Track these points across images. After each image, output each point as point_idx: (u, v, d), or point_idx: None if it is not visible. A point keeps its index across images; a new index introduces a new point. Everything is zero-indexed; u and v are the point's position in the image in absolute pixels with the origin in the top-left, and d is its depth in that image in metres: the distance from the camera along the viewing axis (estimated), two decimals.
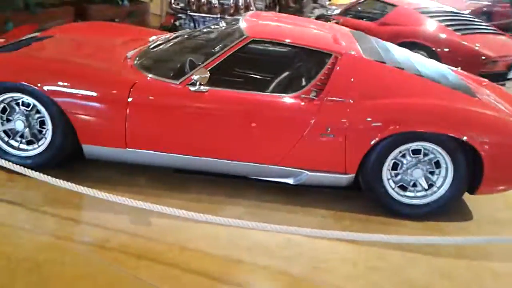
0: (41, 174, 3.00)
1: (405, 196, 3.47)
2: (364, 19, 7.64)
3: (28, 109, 3.38)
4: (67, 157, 3.50)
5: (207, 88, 3.31)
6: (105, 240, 2.91)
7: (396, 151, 3.35)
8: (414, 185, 3.45)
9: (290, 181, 3.46)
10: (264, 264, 2.87)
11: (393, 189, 3.44)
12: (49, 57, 3.70)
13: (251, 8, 5.51)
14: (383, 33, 7.19)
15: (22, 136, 3.45)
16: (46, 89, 3.25)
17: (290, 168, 3.41)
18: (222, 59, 3.39)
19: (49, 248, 2.79)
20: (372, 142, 3.27)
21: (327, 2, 7.46)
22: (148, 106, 3.34)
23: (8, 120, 3.45)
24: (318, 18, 7.00)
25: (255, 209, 3.43)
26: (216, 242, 3.01)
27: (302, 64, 3.60)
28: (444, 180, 3.41)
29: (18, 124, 3.40)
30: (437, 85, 3.49)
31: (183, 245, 2.95)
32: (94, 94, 3.31)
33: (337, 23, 7.24)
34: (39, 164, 3.40)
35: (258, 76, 3.71)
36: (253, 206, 3.45)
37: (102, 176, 3.58)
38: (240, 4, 5.45)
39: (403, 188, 3.48)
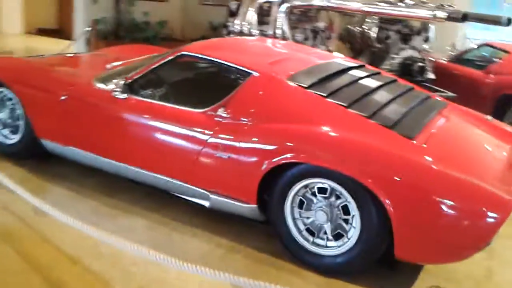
0: None
1: (312, 242, 2.88)
2: (472, 67, 6.66)
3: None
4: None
5: (125, 95, 3.33)
6: None
7: (298, 185, 2.83)
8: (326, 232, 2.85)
9: (206, 204, 3.20)
10: None
11: (299, 232, 2.90)
12: None
13: (288, 40, 5.30)
14: (487, 83, 6.19)
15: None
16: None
17: (197, 188, 3.16)
18: (150, 68, 3.39)
19: None
20: (263, 168, 2.83)
21: (424, 46, 6.66)
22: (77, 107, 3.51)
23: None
24: (405, 60, 6.32)
25: (157, 225, 3.25)
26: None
27: (225, 82, 3.34)
28: (354, 230, 2.74)
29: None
30: (365, 120, 2.84)
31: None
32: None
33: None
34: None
35: (181, 90, 3.54)
36: (158, 222, 3.28)
37: None
38: (278, 35, 5.30)
39: (312, 233, 2.90)
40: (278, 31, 5.21)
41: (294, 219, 2.90)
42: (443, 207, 2.47)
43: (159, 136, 3.21)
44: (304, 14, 5.54)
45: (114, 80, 3.45)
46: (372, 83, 3.41)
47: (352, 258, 2.75)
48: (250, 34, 5.40)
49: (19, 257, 2.78)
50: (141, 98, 3.33)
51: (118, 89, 3.36)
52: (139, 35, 8.17)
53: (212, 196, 3.10)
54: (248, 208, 3.00)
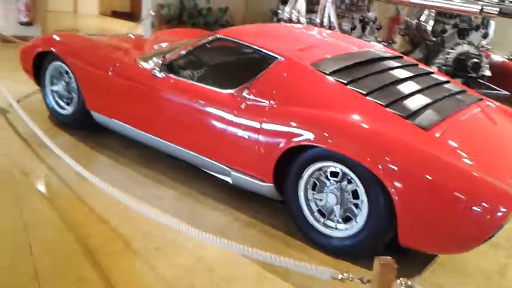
0: None
1: (323, 224, 2.99)
2: None
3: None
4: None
5: (163, 74, 3.56)
6: None
7: (313, 167, 2.94)
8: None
9: (229, 180, 3.39)
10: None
11: (311, 212, 3.01)
12: None
13: (335, 29, 5.31)
14: None
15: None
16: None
17: (220, 164, 3.35)
18: (187, 50, 3.60)
19: None
20: (280, 148, 2.96)
21: (484, 42, 6.43)
22: (121, 82, 3.79)
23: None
24: (460, 55, 6.15)
25: (184, 196, 3.48)
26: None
27: (254, 65, 3.46)
28: (362, 214, 2.82)
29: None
30: (382, 109, 2.88)
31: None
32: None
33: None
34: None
35: (213, 72, 3.70)
36: (184, 193, 3.51)
37: None
38: (325, 24, 5.31)
39: (323, 214, 3.01)
40: (325, 20, 5.25)
41: (307, 199, 3.01)
42: (447, 197, 2.49)
43: (190, 113, 3.42)
44: (354, 4, 5.53)
45: (155, 60, 3.69)
46: (400, 74, 3.42)
47: (359, 242, 2.83)
48: (298, 22, 5.47)
49: (57, 214, 3.09)
50: (176, 77, 3.54)
51: (157, 68, 3.61)
52: (200, 21, 8.46)
53: (233, 172, 3.28)
54: (266, 186, 3.15)
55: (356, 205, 2.84)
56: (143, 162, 3.89)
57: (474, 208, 2.44)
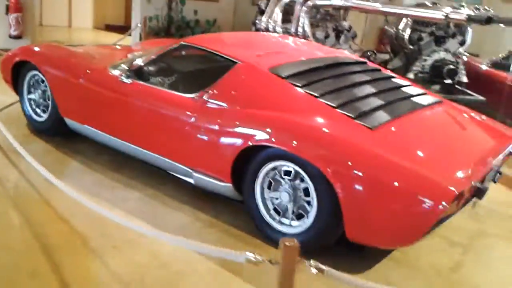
0: None
1: (278, 221, 3.06)
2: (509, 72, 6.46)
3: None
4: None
5: (130, 80, 3.68)
6: None
7: (267, 167, 3.02)
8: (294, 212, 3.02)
9: (191, 181, 3.47)
10: None
11: (267, 211, 3.09)
12: None
13: (308, 38, 5.42)
14: None
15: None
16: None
17: (183, 166, 3.44)
18: (155, 57, 3.72)
19: None
20: (236, 149, 3.05)
21: (461, 49, 6.52)
22: (91, 89, 3.91)
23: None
24: (436, 62, 6.24)
25: (149, 198, 3.57)
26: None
27: (215, 70, 3.57)
28: (312, 211, 2.90)
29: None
30: (332, 110, 2.98)
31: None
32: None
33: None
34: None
35: (178, 77, 3.81)
36: (149, 196, 3.59)
37: None
38: (299, 33, 5.42)
39: (279, 213, 3.08)
40: (300, 29, 5.37)
41: (263, 198, 3.09)
42: (386, 192, 2.57)
43: (154, 117, 3.52)
44: (328, 13, 5.65)
45: (123, 67, 3.80)
46: (357, 78, 3.51)
47: (310, 237, 2.90)
48: (274, 31, 5.59)
49: (20, 214, 3.18)
50: (142, 83, 3.65)
51: (124, 74, 3.71)
52: (188, 33, 8.62)
53: (195, 174, 3.37)
54: (225, 186, 3.23)
55: (308, 203, 2.92)
56: (113, 167, 3.98)
57: (412, 201, 2.51)
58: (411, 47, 6.47)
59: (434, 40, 6.38)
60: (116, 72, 3.81)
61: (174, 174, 3.55)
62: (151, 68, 3.72)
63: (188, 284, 2.66)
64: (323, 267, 1.72)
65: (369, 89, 3.39)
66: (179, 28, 8.69)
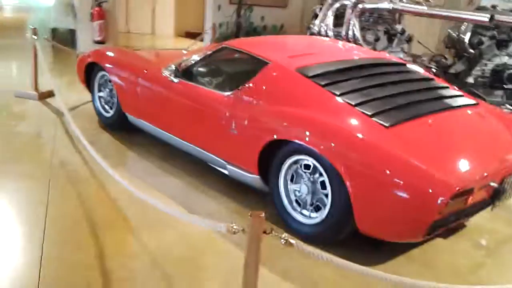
0: None
1: (299, 212, 3.24)
2: None
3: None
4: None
5: (177, 79, 4.03)
6: None
7: (289, 161, 3.22)
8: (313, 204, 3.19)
9: (226, 172, 3.75)
10: None
11: (290, 202, 3.29)
12: None
13: (358, 42, 5.46)
14: None
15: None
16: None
17: (219, 158, 3.73)
18: (198, 58, 4.05)
19: None
20: (261, 143, 3.27)
21: None
22: (146, 87, 4.32)
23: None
24: (496, 66, 6.03)
25: (186, 185, 3.89)
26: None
27: (251, 70, 3.80)
28: (328, 204, 3.06)
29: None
30: (351, 108, 3.09)
31: None
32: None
33: None
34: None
35: (219, 76, 4.05)
36: (187, 183, 3.92)
37: None
38: (350, 36, 5.48)
39: (300, 204, 3.26)
40: (350, 33, 5.47)
41: (286, 190, 3.29)
42: (388, 186, 2.68)
43: (195, 112, 3.84)
44: (380, 16, 5.69)
45: (173, 67, 4.16)
46: (387, 78, 3.59)
47: (326, 228, 3.05)
48: (326, 35, 5.74)
49: (75, 194, 3.63)
50: (187, 82, 3.98)
51: (173, 74, 4.08)
52: None
53: (228, 166, 3.64)
54: (254, 178, 3.46)
55: (326, 195, 3.07)
56: (162, 157, 4.37)
57: (412, 195, 2.61)
58: (471, 51, 6.32)
59: (496, 44, 6.19)
60: (167, 73, 4.18)
61: (212, 165, 3.85)
62: (196, 69, 4.04)
63: (207, 259, 2.93)
64: (292, 240, 1.89)
65: (396, 89, 3.47)
66: (247, 34, 9.06)
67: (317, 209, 3.14)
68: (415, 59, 7.26)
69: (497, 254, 3.30)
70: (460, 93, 3.82)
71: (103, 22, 8.50)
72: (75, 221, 3.25)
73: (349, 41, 5.51)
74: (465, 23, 6.35)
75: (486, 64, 6.10)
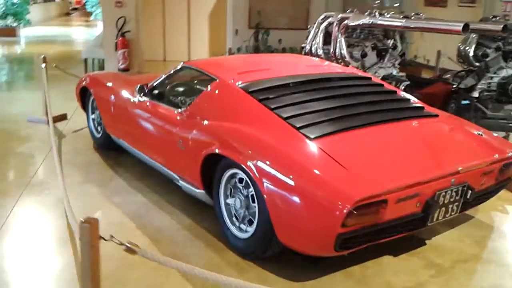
0: None
1: (237, 227, 3.19)
2: None
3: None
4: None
5: (143, 98, 4.15)
6: None
7: (226, 175, 3.20)
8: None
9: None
10: None
11: (229, 216, 3.26)
12: None
13: (345, 58, 5.28)
14: None
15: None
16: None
17: (172, 173, 3.78)
18: (162, 78, 4.16)
19: None
20: (201, 158, 3.28)
21: None
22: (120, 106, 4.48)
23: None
24: (502, 79, 5.66)
25: (152, 204, 3.96)
26: None
27: (204, 87, 3.84)
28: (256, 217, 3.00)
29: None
30: (280, 121, 3.05)
31: None
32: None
33: None
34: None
35: (177, 94, 4.05)
36: (154, 201, 3.98)
37: None
38: (337, 54, 5.34)
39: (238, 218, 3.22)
40: (337, 50, 5.37)
41: (226, 204, 3.26)
42: (297, 196, 2.60)
43: (156, 129, 3.92)
44: (370, 32, 5.55)
45: (143, 87, 4.28)
46: (334, 92, 3.50)
47: (255, 243, 3.00)
48: (316, 54, 5.67)
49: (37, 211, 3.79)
50: (150, 100, 4.08)
51: (140, 94, 4.20)
52: None
53: (180, 181, 3.67)
54: (200, 193, 3.47)
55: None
56: (139, 176, 4.45)
57: (315, 206, 2.53)
58: (477, 64, 6.00)
59: (502, 56, 5.84)
60: (136, 92, 4.30)
61: (173, 180, 3.89)
62: (159, 87, 4.14)
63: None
64: (135, 248, 1.87)
65: (339, 102, 3.37)
66: None
67: (251, 223, 3.09)
68: (441, 75, 7.03)
69: (448, 275, 3.06)
70: (419, 105, 3.65)
71: (127, 50, 8.89)
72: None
73: (337, 59, 5.42)
74: (471, 35, 6.06)
75: (491, 77, 5.77)
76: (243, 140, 3.03)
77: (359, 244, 2.70)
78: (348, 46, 5.41)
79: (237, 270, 3.02)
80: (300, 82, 3.56)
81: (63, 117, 6.31)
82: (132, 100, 4.27)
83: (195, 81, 4.31)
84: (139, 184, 4.29)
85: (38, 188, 4.19)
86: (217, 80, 3.58)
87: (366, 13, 5.26)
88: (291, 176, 2.66)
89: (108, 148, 5.08)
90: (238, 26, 9.22)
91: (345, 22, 5.34)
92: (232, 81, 3.50)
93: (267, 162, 2.80)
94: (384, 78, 5.27)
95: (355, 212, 2.45)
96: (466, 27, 4.43)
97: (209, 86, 3.61)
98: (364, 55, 5.22)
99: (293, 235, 2.73)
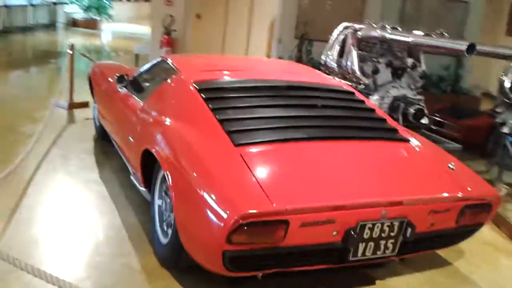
0: None
1: (166, 233, 2.94)
2: None
3: None
4: None
5: (123, 90, 4.07)
6: None
7: (160, 174, 3.02)
8: None
9: None
10: None
11: (160, 220, 3.04)
12: None
13: (355, 73, 4.82)
14: None
15: None
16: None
17: (129, 167, 3.66)
18: (141, 71, 4.08)
19: None
20: (140, 154, 3.11)
21: None
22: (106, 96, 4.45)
23: None
24: None
25: (108, 195, 3.86)
26: None
27: None
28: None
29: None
30: (215, 123, 2.81)
31: None
32: None
33: None
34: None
35: (147, 86, 3.89)
36: (110, 192, 3.89)
37: None
38: (348, 68, 4.91)
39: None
40: (349, 63, 4.99)
41: (159, 206, 3.06)
42: (194, 200, 2.40)
43: (123, 119, 3.84)
44: (388, 48, 5.09)
45: (126, 78, 4.21)
46: (292, 101, 3.19)
47: (169, 250, 2.78)
48: (330, 66, 5.32)
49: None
50: (127, 91, 4.00)
51: (120, 85, 4.13)
52: None
53: (131, 176, 3.54)
54: (143, 190, 3.30)
55: None
56: (118, 167, 4.36)
57: (205, 215, 2.27)
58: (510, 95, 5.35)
59: None
60: (116, 81, 4.23)
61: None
62: (137, 79, 4.05)
63: None
64: None
65: (292, 112, 3.07)
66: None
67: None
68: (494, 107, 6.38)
69: None
70: (392, 127, 3.24)
71: (170, 49, 8.99)
72: None
73: (348, 73, 5.04)
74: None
75: None
76: (163, 136, 2.86)
77: (259, 268, 2.38)
78: (362, 60, 5.01)
79: (148, 276, 2.80)
80: (262, 87, 3.29)
81: (84, 105, 6.44)
82: (114, 90, 4.22)
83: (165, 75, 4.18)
84: (111, 175, 4.21)
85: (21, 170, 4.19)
86: (176, 75, 3.41)
87: (378, 26, 4.84)
88: (194, 178, 2.44)
89: (103, 138, 5.06)
90: (283, 35, 8.99)
91: (358, 34, 4.95)
92: (188, 77, 3.31)
93: (181, 162, 2.60)
94: (395, 98, 4.82)
95: (245, 228, 2.16)
96: (471, 48, 3.91)
97: (168, 80, 3.45)
98: (375, 71, 4.80)
99: (190, 244, 2.49)
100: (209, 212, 2.25)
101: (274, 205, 2.21)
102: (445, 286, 3.04)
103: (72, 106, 6.41)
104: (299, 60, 8.91)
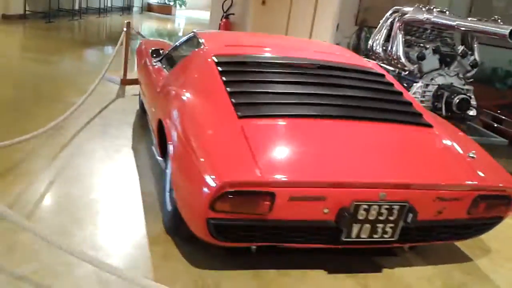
0: None
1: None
2: None
3: None
4: None
5: (157, 64, 4.18)
6: None
7: None
8: None
9: None
10: None
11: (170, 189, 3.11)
12: None
13: (400, 58, 4.53)
14: None
15: None
16: None
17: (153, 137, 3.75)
18: (173, 46, 4.16)
19: None
20: (156, 123, 3.22)
21: None
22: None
23: None
24: None
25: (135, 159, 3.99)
26: None
27: None
28: None
29: None
30: (224, 96, 2.81)
31: None
32: None
33: None
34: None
35: (177, 60, 3.91)
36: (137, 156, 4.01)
37: None
38: (393, 53, 4.62)
39: None
40: (394, 48, 4.76)
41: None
42: (186, 168, 2.41)
43: (152, 92, 3.92)
44: (437, 33, 4.79)
45: (162, 53, 4.31)
46: (314, 79, 3.11)
47: (171, 215, 2.82)
48: (376, 51, 5.11)
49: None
50: (159, 65, 4.09)
51: (157, 59, 4.23)
52: None
53: (153, 146, 3.63)
54: (160, 160, 3.37)
55: None
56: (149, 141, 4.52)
57: (194, 181, 2.30)
58: None
59: None
60: (150, 55, 4.34)
61: None
62: (171, 54, 4.13)
63: None
64: None
65: (307, 89, 2.99)
66: (366, 57, 8.54)
67: None
68: None
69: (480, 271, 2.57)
70: (417, 111, 3.07)
71: None
72: None
73: (393, 58, 4.81)
74: None
75: None
76: (177, 110, 2.88)
77: (246, 240, 2.36)
78: (408, 46, 4.77)
79: (151, 241, 2.87)
80: (281, 64, 3.23)
81: (136, 81, 6.65)
82: (149, 64, 4.33)
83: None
84: (141, 147, 4.33)
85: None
86: (200, 49, 3.43)
87: (425, 8, 4.56)
88: (190, 145, 2.46)
89: (144, 112, 5.21)
90: (343, 22, 8.77)
91: (404, 17, 4.71)
92: (209, 51, 3.31)
93: (183, 131, 2.62)
94: (439, 87, 4.54)
95: (230, 196, 2.14)
96: None
97: (191, 53, 3.48)
98: (421, 58, 4.55)
99: (182, 210, 2.51)
100: (198, 178, 2.25)
101: (259, 175, 2.16)
102: (459, 282, 2.83)
103: (125, 82, 6.65)
104: (356, 47, 8.67)
